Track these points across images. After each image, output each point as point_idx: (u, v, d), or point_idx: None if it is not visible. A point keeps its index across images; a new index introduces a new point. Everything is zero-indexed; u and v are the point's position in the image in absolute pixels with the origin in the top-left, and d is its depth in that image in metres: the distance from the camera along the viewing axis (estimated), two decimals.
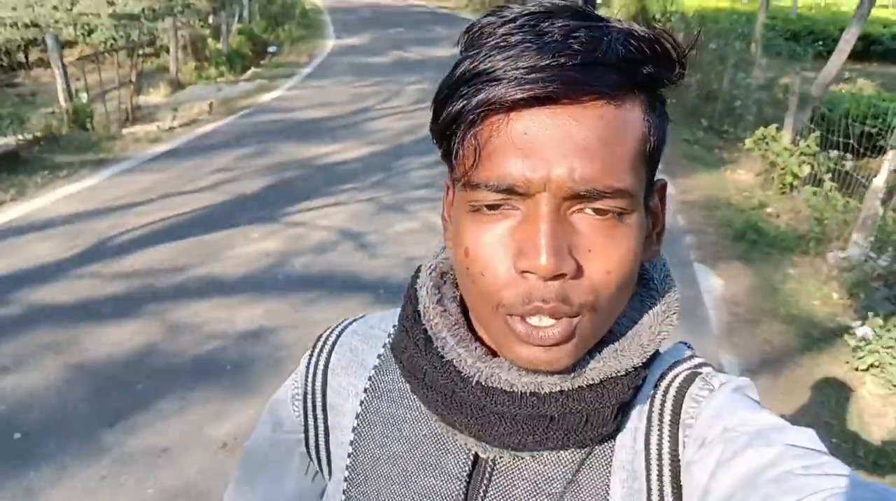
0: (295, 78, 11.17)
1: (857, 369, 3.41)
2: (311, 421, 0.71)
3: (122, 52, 13.40)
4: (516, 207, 0.51)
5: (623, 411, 0.58)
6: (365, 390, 0.68)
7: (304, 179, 6.14)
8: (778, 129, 6.21)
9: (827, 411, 3.19)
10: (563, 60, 0.47)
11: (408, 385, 0.63)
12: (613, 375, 0.56)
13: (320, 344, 0.74)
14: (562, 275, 0.50)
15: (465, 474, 0.62)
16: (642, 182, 0.53)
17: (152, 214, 5.17)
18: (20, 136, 6.43)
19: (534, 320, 0.52)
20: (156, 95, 10.65)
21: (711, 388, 0.58)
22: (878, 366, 3.27)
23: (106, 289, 4.04)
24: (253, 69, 12.31)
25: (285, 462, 0.75)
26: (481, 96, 0.49)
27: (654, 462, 0.58)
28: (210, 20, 14.14)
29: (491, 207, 0.51)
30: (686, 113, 8.98)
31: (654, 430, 0.59)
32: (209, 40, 12.88)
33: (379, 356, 0.70)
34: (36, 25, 14.00)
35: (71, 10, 15.27)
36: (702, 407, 0.57)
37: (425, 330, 0.61)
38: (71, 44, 13.90)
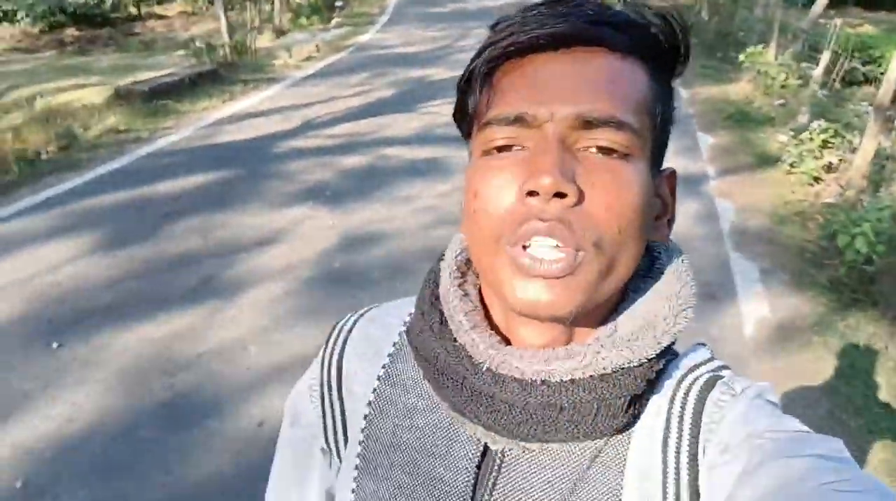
0: (377, 25, 13.99)
1: (787, 172, 6.19)
2: (328, 411, 0.75)
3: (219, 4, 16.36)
4: (525, 146, 0.56)
5: (634, 404, 0.60)
6: (378, 378, 0.72)
7: (421, 89, 8.97)
8: (765, 48, 8.91)
9: (769, 190, 5.97)
10: (574, 18, 0.55)
11: (421, 371, 0.67)
12: (626, 365, 0.58)
13: (336, 332, 0.77)
14: (563, 195, 0.53)
15: (473, 465, 0.64)
16: (648, 136, 0.58)
17: (327, 108, 8.03)
18: (210, 61, 9.31)
19: (536, 250, 0.54)
20: (263, 40, 13.48)
21: (734, 393, 0.60)
22: (795, 163, 6.05)
23: (327, 143, 6.90)
24: (336, 19, 15.09)
25: (308, 461, 0.77)
26: (500, 45, 0.57)
27: (671, 465, 0.59)
28: None
29: (501, 149, 0.57)
30: (704, 48, 11.68)
31: (672, 433, 0.60)
32: None
33: (394, 344, 0.73)
34: None
35: None
36: (724, 411, 0.59)
37: (441, 313, 0.65)
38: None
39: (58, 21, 14.72)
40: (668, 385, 0.63)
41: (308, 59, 11.19)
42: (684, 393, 0.61)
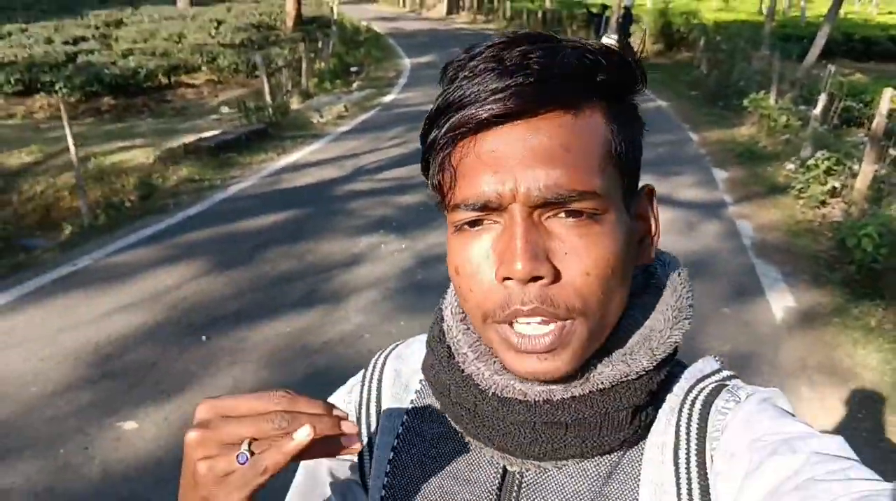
0: (397, 87, 15.09)
1: (795, 197, 7.06)
2: (366, 450, 0.78)
3: (242, 73, 17.57)
4: (496, 221, 0.58)
5: (637, 415, 0.62)
6: (407, 412, 0.76)
7: None
8: (766, 94, 9.92)
9: (781, 212, 6.83)
10: (520, 79, 0.54)
11: (439, 403, 0.71)
12: (623, 379, 0.61)
13: (370, 369, 0.82)
14: (539, 278, 0.55)
15: (495, 487, 0.67)
16: (615, 184, 0.59)
17: (372, 157, 8.94)
18: (258, 121, 10.29)
19: (523, 328, 0.58)
20: (293, 103, 14.54)
21: (738, 400, 0.62)
22: (802, 189, 6.93)
23: (380, 185, 7.77)
24: (357, 82, 16.23)
25: (326, 492, 0.79)
26: (450, 123, 0.57)
27: (682, 477, 0.61)
28: (303, 47, 18.15)
29: (472, 224, 0.59)
30: (706, 98, 12.78)
31: (681, 444, 0.62)
32: (315, 62, 16.83)
33: (420, 380, 0.77)
34: (165, 55, 18.03)
35: (179, 42, 19.49)
36: (728, 419, 0.61)
37: (449, 348, 0.69)
38: (195, 69, 17.88)
39: (93, 90, 15.81)
40: (676, 397, 0.65)
41: (340, 118, 12.19)
42: (690, 404, 0.63)
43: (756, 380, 3.70)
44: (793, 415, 0.60)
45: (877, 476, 0.52)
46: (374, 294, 4.99)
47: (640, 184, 0.65)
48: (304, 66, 15.01)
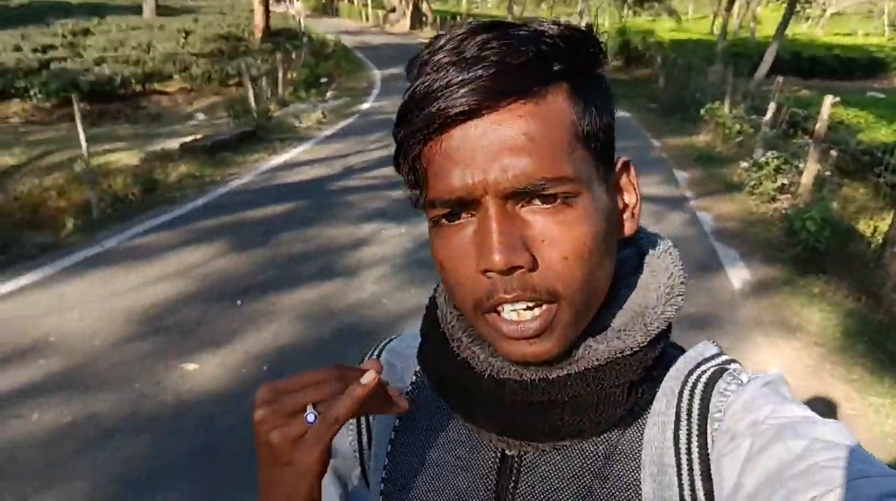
0: (371, 96, 15.81)
1: (749, 193, 7.92)
2: (364, 440, 0.81)
3: (215, 82, 18.08)
4: (472, 214, 0.59)
5: (634, 392, 0.63)
6: None
7: None
8: (720, 104, 10.88)
9: (736, 206, 7.67)
10: (479, 72, 0.55)
11: (435, 391, 0.72)
12: (619, 355, 0.62)
13: (365, 363, 0.80)
14: (518, 268, 0.57)
15: (493, 472, 0.68)
16: (586, 164, 0.59)
17: (360, 158, 9.60)
18: (247, 126, 10.88)
19: (511, 315, 0.59)
20: (272, 110, 15.12)
21: (740, 383, 0.63)
22: (755, 185, 7.80)
23: (371, 182, 8.43)
24: (330, 92, 16.87)
25: (329, 487, 0.80)
26: (416, 124, 0.58)
27: (683, 457, 0.62)
28: (278, 56, 18.74)
29: (449, 217, 0.60)
30: (665, 110, 13.75)
31: (682, 425, 0.63)
32: (287, 72, 17.43)
33: (416, 372, 0.79)
34: (138, 63, 18.43)
35: (148, 51, 19.91)
36: (730, 401, 0.62)
37: (443, 334, 0.70)
38: (168, 77, 18.29)
39: (68, 96, 16.14)
40: (676, 379, 0.66)
41: (320, 124, 12.82)
42: (692, 386, 0.64)
43: (720, 334, 4.50)
44: (794, 401, 0.61)
45: (878, 461, 0.52)
46: (383, 269, 5.64)
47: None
48: (280, 75, 15.60)
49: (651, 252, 0.70)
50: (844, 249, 5.97)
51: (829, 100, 7.38)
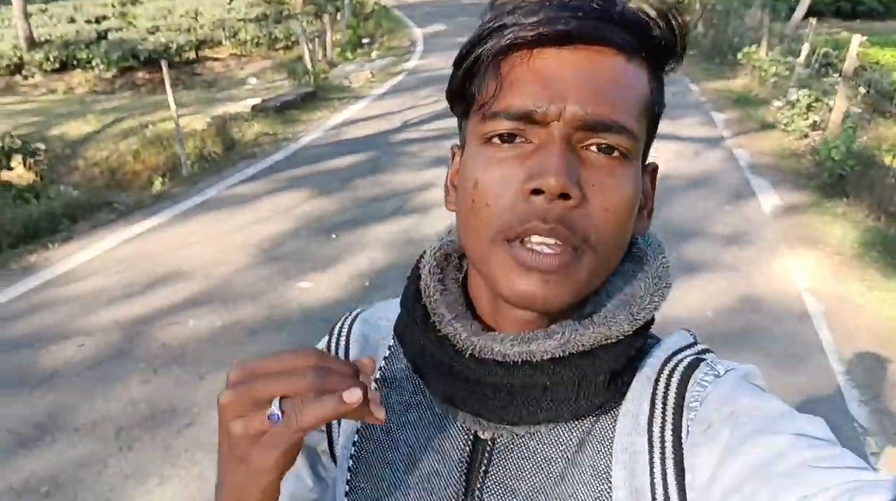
0: (416, 54, 16.52)
1: (783, 131, 8.59)
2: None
3: (263, 46, 18.94)
4: (529, 140, 0.59)
5: (615, 381, 0.64)
6: (375, 380, 0.76)
7: None
8: (757, 47, 11.44)
9: (771, 142, 8.35)
10: (581, 13, 0.56)
11: (411, 366, 0.71)
12: (604, 342, 0.62)
13: (335, 335, 0.83)
14: (567, 198, 0.57)
15: (465, 455, 0.68)
16: (644, 135, 0.62)
17: (415, 112, 10.42)
18: (307, 87, 11.76)
19: (536, 246, 0.58)
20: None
21: (717, 374, 0.63)
22: (788, 124, 8.47)
23: (428, 134, 9.24)
24: (374, 52, 17.63)
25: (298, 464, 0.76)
26: (508, 36, 0.58)
27: (656, 446, 0.62)
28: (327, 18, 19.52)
29: (504, 139, 0.59)
30: (704, 55, 14.28)
31: (657, 413, 0.63)
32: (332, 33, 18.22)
33: (389, 347, 0.79)
34: (189, 30, 19.34)
35: (196, 18, 20.78)
36: (707, 391, 0.62)
37: (424, 307, 0.69)
38: (218, 43, 19.19)
39: (128, 66, 17.17)
40: (652, 368, 0.66)
41: (371, 83, 13.62)
42: (668, 375, 0.65)
43: (750, 248, 5.27)
44: (771, 394, 0.62)
45: (864, 464, 0.53)
46: None
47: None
48: (327, 37, 16.38)
49: (639, 243, 0.71)
50: (867, 175, 6.66)
51: (857, 38, 7.98)
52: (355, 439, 0.75)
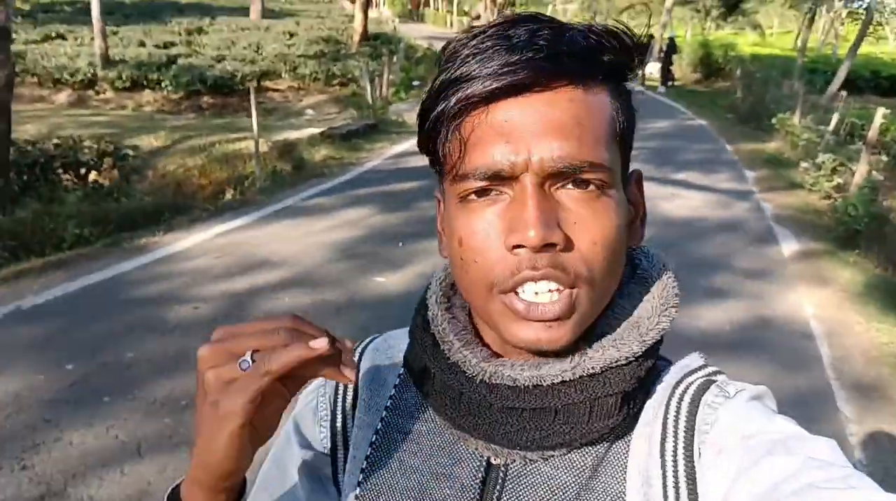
0: None
1: (808, 190, 9.44)
2: (339, 441, 0.79)
3: (320, 81, 20.20)
4: (503, 192, 0.60)
5: (627, 403, 0.64)
6: (386, 408, 0.77)
7: None
8: (791, 114, 12.37)
9: (796, 199, 9.19)
10: (531, 54, 0.57)
11: (421, 395, 0.73)
12: (613, 364, 0.63)
13: None
14: (552, 246, 0.58)
15: (477, 482, 0.68)
16: (617, 161, 0.63)
17: None
18: (368, 119, 12.86)
19: (531, 296, 0.59)
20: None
21: (727, 395, 0.64)
22: (814, 184, 9.32)
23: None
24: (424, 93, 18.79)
25: (293, 481, 0.78)
26: (460, 94, 0.59)
27: (669, 469, 0.62)
28: (385, 59, 20.81)
29: (479, 194, 0.60)
30: (741, 119, 15.25)
31: (669, 437, 0.63)
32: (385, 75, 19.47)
33: (399, 375, 0.79)
34: (252, 62, 20.68)
35: (258, 51, 22.15)
36: (718, 413, 0.63)
37: (433, 336, 0.71)
38: (278, 75, 20.47)
39: (195, 90, 18.48)
40: (663, 390, 0.67)
41: None
42: (679, 398, 0.65)
43: (770, 283, 6.10)
44: (782, 416, 0.62)
45: (875, 485, 0.52)
46: None
47: (633, 170, 0.70)
48: (385, 76, 17.59)
49: (644, 263, 0.72)
50: (880, 232, 7.47)
51: (881, 111, 8.87)
52: (363, 466, 0.75)
